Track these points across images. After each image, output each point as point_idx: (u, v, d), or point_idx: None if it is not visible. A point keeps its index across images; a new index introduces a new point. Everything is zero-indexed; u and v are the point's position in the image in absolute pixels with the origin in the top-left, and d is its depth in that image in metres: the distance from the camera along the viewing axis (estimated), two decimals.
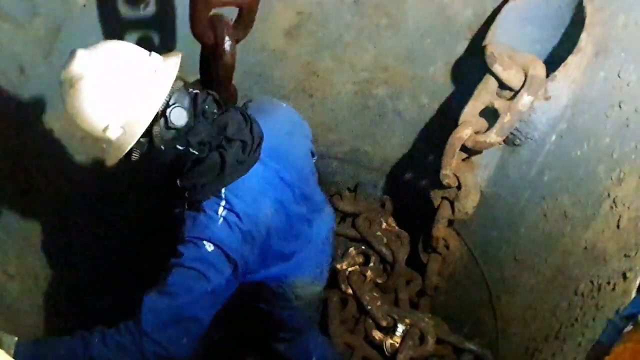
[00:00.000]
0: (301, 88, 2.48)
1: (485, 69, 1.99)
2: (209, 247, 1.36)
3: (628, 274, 1.50)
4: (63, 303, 2.22)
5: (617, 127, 1.71)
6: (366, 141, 2.76)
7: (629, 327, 1.13)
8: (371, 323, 2.49)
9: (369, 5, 2.20)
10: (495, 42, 1.98)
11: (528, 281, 2.14)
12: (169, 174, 1.46)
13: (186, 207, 1.43)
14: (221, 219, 1.38)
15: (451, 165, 2.12)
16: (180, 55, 1.33)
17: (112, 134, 1.25)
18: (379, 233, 2.67)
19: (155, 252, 2.73)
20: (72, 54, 1.22)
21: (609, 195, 1.71)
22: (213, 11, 1.54)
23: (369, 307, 2.47)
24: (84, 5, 1.90)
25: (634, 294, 1.40)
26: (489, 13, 2.08)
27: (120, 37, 2.09)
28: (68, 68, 1.21)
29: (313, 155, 1.75)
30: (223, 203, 1.39)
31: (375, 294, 2.53)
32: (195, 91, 1.37)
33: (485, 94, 2.03)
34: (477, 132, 2.05)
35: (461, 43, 2.22)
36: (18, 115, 1.87)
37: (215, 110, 1.40)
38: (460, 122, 2.07)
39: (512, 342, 2.22)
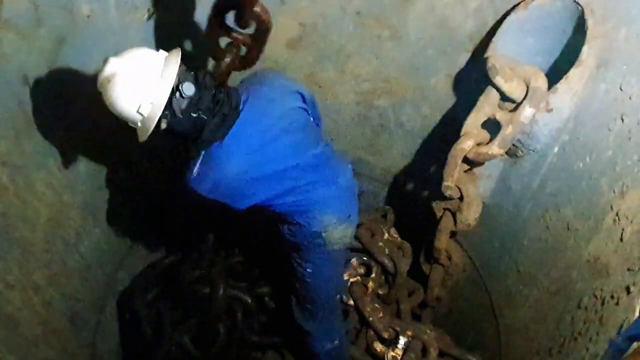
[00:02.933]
0: None
1: (487, 81, 1.99)
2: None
3: (632, 288, 1.48)
4: (64, 314, 2.21)
5: (619, 140, 1.70)
6: (368, 151, 2.76)
7: (633, 346, 1.11)
8: (373, 335, 2.47)
9: (371, 17, 2.21)
10: (497, 54, 1.98)
11: (531, 293, 2.13)
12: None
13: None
14: (194, 174, 1.78)
15: (453, 176, 2.12)
16: (180, 50, 1.71)
17: (144, 110, 1.62)
18: (380, 244, 2.66)
19: (157, 265, 2.75)
20: (105, 61, 1.62)
21: (612, 208, 1.70)
22: None
23: (371, 319, 2.46)
24: (88, 17, 1.92)
25: (637, 310, 1.38)
26: (490, 25, 2.09)
27: (125, 48, 2.10)
28: (104, 70, 1.60)
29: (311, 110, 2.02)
30: (198, 162, 1.78)
31: (376, 306, 2.51)
32: (193, 72, 1.73)
33: (487, 105, 2.03)
34: (479, 144, 2.05)
35: (463, 54, 2.23)
36: (20, 124, 1.87)
37: (213, 83, 1.76)
38: (462, 133, 2.07)
39: (515, 355, 2.20)
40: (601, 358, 1.33)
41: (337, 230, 1.98)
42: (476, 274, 2.53)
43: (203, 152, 1.77)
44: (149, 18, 2.10)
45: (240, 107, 1.81)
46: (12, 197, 1.90)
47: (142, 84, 1.62)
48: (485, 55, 2.00)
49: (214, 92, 1.75)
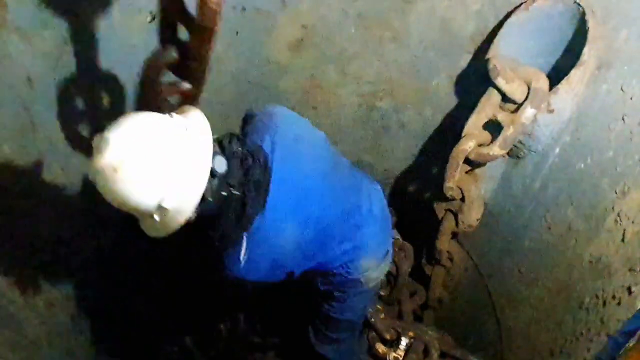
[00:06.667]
0: (305, 100, 2.50)
1: (488, 82, 2.00)
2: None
3: (633, 289, 1.49)
4: (67, 314, 2.22)
5: (620, 140, 1.71)
6: (370, 153, 2.76)
7: (632, 342, 1.12)
8: (375, 336, 2.47)
9: (372, 19, 2.22)
10: (498, 55, 1.99)
11: (532, 294, 2.13)
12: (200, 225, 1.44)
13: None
14: (243, 262, 1.45)
15: (455, 177, 2.12)
16: (199, 111, 1.33)
17: (169, 204, 1.23)
18: None
19: (162, 259, 2.75)
20: (105, 140, 1.18)
21: (613, 208, 1.70)
22: None
23: (373, 320, 2.46)
24: (92, 19, 1.92)
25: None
26: (491, 26, 2.09)
27: (128, 49, 2.11)
28: (105, 155, 1.17)
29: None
30: (243, 248, 1.44)
31: (378, 307, 2.52)
32: (218, 137, 1.39)
33: (488, 106, 2.04)
34: (480, 145, 2.06)
35: (464, 56, 2.24)
36: (24, 126, 1.89)
37: (240, 149, 1.40)
38: (463, 134, 2.07)
39: (516, 355, 2.20)
40: (600, 353, 1.33)
41: (376, 271, 1.82)
42: (477, 274, 2.53)
43: (245, 235, 1.42)
44: (151, 20, 2.11)
45: (270, 162, 1.44)
46: (15, 198, 1.91)
47: (165, 171, 1.20)
48: (487, 57, 2.01)
49: (241, 158, 1.39)
